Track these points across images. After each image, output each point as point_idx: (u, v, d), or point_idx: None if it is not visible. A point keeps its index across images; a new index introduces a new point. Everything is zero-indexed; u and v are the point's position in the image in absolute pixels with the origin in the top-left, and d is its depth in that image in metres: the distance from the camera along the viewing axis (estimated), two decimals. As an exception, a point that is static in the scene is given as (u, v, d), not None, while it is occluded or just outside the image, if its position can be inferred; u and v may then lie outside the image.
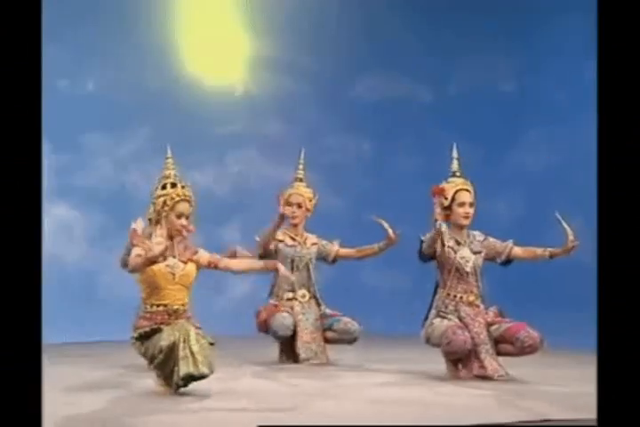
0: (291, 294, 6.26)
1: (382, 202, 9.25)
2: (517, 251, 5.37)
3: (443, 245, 5.23)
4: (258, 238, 6.16)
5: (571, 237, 5.21)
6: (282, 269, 4.96)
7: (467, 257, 5.27)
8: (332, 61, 9.91)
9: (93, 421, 3.74)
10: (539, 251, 5.36)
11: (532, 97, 9.81)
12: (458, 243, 5.29)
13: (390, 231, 6.12)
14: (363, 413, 4.01)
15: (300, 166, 6.46)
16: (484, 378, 5.07)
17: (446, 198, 5.25)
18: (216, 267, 4.85)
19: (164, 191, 4.70)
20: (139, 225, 4.58)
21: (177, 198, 4.68)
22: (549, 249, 5.32)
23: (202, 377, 4.36)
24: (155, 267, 4.60)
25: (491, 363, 5.12)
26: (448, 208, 5.26)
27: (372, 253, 6.36)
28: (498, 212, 9.28)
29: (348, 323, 6.14)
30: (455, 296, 5.26)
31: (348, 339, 6.15)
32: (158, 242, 4.49)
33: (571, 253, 5.28)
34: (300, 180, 6.42)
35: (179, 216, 4.68)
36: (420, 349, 5.66)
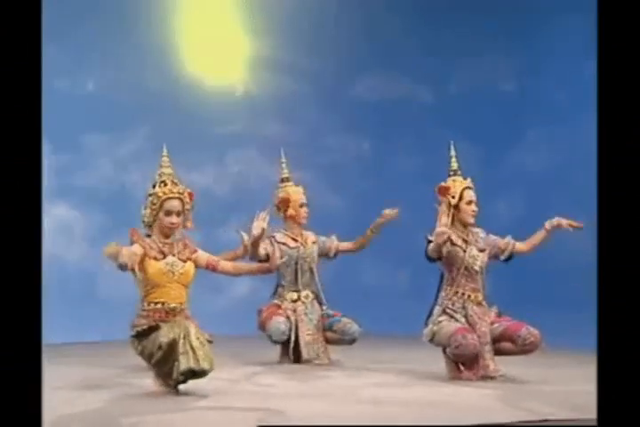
0: (295, 295, 6.25)
1: (382, 202, 9.23)
2: (520, 246, 5.40)
3: (452, 244, 5.23)
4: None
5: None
6: (274, 264, 4.91)
7: (475, 256, 5.27)
8: (332, 61, 9.91)
9: (93, 421, 3.75)
10: (537, 235, 5.39)
11: (532, 97, 9.81)
12: (465, 242, 5.29)
13: (387, 211, 6.08)
14: (363, 413, 4.00)
15: (284, 165, 6.46)
16: (486, 378, 5.07)
17: (453, 197, 5.26)
18: (214, 269, 4.84)
19: (154, 190, 4.71)
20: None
21: (164, 196, 4.67)
22: (545, 225, 5.35)
23: (202, 372, 4.34)
24: (154, 265, 4.60)
25: (492, 362, 5.12)
26: (455, 207, 5.27)
27: (367, 240, 6.36)
28: (498, 212, 9.28)
29: (347, 323, 6.14)
30: (463, 294, 5.25)
31: (348, 340, 6.13)
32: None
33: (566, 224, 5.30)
34: (289, 179, 6.42)
35: (167, 214, 4.67)
36: (420, 349, 5.66)
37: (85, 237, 9.10)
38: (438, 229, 5.01)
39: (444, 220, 5.02)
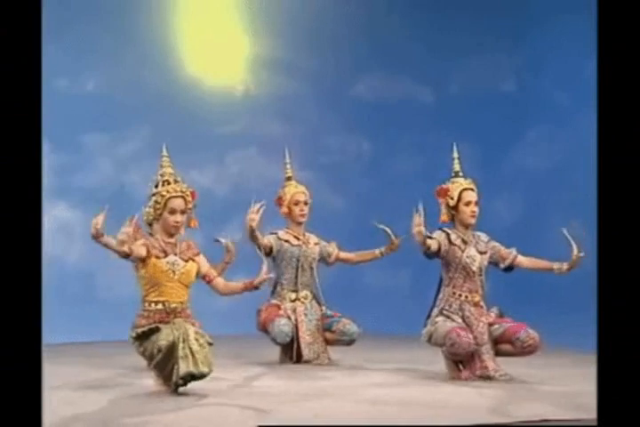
0: (294, 295, 6.24)
1: (382, 202, 9.25)
2: (522, 260, 5.40)
3: (451, 243, 5.24)
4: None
5: (575, 252, 5.23)
6: (260, 280, 4.91)
7: (473, 256, 5.28)
8: (333, 61, 9.91)
9: (93, 421, 3.75)
10: (544, 264, 5.39)
11: (533, 97, 9.81)
12: (464, 242, 5.29)
13: (393, 238, 6.13)
14: (363, 413, 4.01)
15: (288, 165, 6.47)
16: (486, 378, 5.07)
17: (452, 198, 5.27)
18: (209, 282, 4.85)
19: (157, 190, 4.73)
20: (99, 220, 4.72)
21: (167, 195, 4.69)
22: (556, 264, 5.34)
23: (202, 376, 4.36)
24: (156, 263, 4.61)
25: (492, 363, 5.13)
26: (454, 208, 5.28)
27: (371, 259, 6.38)
28: (498, 212, 9.28)
29: (347, 324, 6.13)
30: (460, 295, 5.26)
31: (346, 340, 6.12)
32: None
33: (576, 267, 5.30)
34: (291, 178, 6.43)
35: (171, 212, 4.68)
36: (420, 349, 5.66)
37: (85, 237, 9.05)
38: (412, 230, 5.02)
39: (416, 220, 5.00)
